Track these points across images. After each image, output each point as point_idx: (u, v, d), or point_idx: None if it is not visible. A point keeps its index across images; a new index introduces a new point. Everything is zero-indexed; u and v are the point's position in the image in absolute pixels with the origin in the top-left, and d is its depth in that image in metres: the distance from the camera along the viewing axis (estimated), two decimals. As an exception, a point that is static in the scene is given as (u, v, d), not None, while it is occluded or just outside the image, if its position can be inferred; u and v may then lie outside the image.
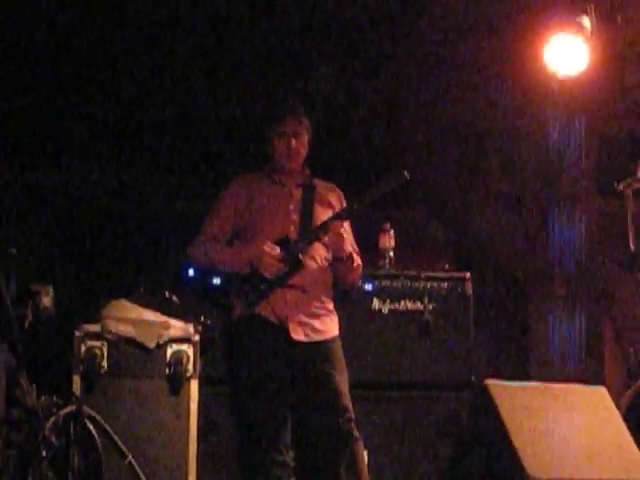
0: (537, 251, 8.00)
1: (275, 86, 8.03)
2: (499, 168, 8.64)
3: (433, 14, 8.10)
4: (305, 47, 8.08)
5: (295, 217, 6.22)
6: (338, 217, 6.08)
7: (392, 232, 7.03)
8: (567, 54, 7.06)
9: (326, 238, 6.08)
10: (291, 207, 6.25)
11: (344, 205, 6.24)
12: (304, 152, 6.32)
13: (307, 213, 6.21)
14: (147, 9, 7.62)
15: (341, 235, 6.08)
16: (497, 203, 8.53)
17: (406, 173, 6.05)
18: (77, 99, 8.08)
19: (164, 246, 7.49)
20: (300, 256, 6.03)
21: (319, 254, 6.17)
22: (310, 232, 6.10)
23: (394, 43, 8.29)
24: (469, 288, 6.85)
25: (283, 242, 6.05)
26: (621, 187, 6.90)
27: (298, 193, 6.29)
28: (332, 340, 6.16)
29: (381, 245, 7.01)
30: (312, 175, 6.39)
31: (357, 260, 6.23)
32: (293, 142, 6.26)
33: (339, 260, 6.18)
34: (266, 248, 5.99)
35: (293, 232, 6.13)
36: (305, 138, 6.31)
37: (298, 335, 6.06)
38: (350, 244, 6.28)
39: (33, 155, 8.24)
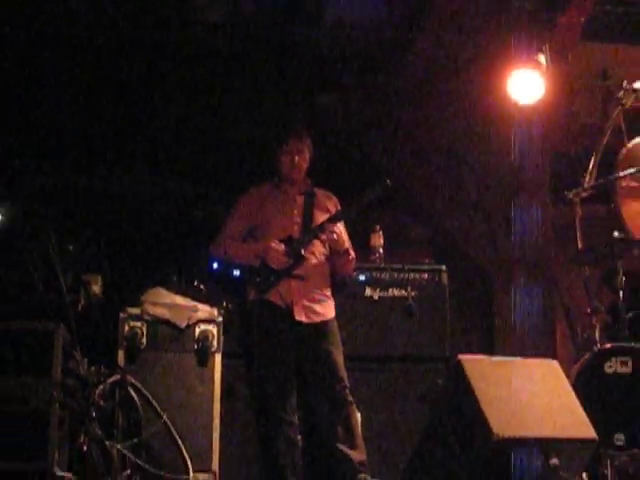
0: (500, 247, 7.99)
1: (284, 110, 8.03)
2: (470, 179, 8.61)
3: (417, 54, 8.11)
4: (312, 78, 8.09)
5: (298, 219, 6.27)
6: (333, 219, 6.15)
7: (381, 232, 7.02)
8: (526, 85, 7.03)
9: (323, 236, 6.13)
10: (294, 211, 6.31)
11: (338, 209, 6.28)
12: (305, 165, 6.37)
13: (308, 216, 6.27)
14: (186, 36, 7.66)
15: (335, 233, 6.11)
16: (468, 208, 8.50)
17: (389, 182, 6.08)
18: (130, 118, 8.08)
19: (193, 243, 7.45)
20: (302, 251, 6.08)
21: (318, 250, 6.21)
22: (310, 231, 6.16)
23: (386, 76, 8.29)
24: (445, 278, 6.83)
25: (287, 240, 6.12)
26: (571, 196, 6.89)
27: (301, 199, 6.35)
28: (330, 321, 6.20)
29: (372, 243, 7.00)
30: (313, 184, 6.43)
31: (352, 254, 6.27)
32: (296, 158, 6.32)
33: (337, 253, 6.21)
34: (272, 245, 6.06)
35: (296, 231, 6.20)
36: (306, 154, 6.37)
37: (301, 317, 6.10)
38: (346, 241, 6.31)
39: (88, 164, 8.23)
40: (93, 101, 7.95)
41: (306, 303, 6.16)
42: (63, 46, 7.65)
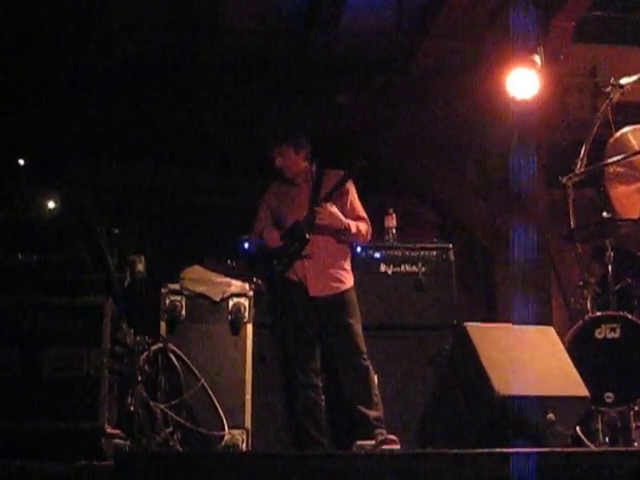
0: (501, 228, 7.96)
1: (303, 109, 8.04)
2: (474, 168, 8.60)
3: (424, 57, 8.09)
4: (328, 79, 8.09)
5: (305, 205, 6.25)
6: (324, 199, 6.12)
7: (394, 215, 7.00)
8: (523, 83, 7.00)
9: (319, 215, 6.10)
10: (302, 199, 6.29)
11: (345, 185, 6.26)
12: (294, 161, 6.31)
13: (314, 200, 6.24)
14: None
15: (327, 210, 6.09)
16: (470, 193, 8.49)
17: (363, 161, 6.07)
18: (169, 122, 8.13)
19: (227, 228, 7.46)
20: (305, 234, 6.07)
21: (325, 229, 6.17)
22: (310, 214, 6.14)
23: (396, 77, 8.28)
24: (451, 255, 6.79)
25: (294, 225, 6.14)
26: (564, 181, 6.86)
27: (307, 186, 6.33)
28: (345, 292, 6.20)
29: (386, 225, 6.97)
30: (321, 168, 6.39)
31: (357, 227, 6.21)
32: (278, 161, 6.29)
33: (337, 231, 6.19)
34: (274, 235, 6.21)
35: (304, 216, 6.17)
36: (289, 151, 6.29)
37: (315, 291, 6.12)
38: (355, 212, 6.28)
39: (134, 161, 8.28)
40: (135, 108, 7.98)
41: (320, 279, 6.16)
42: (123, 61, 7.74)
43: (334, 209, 6.16)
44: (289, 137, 6.34)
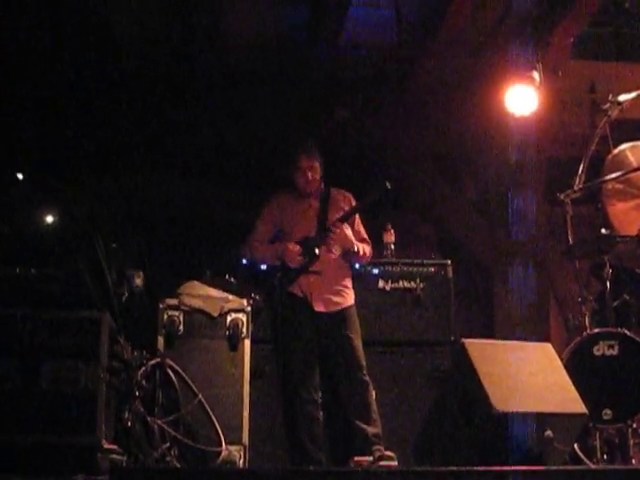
0: (499, 244, 7.95)
1: (305, 123, 8.04)
2: (472, 183, 8.61)
3: (424, 72, 8.10)
4: (329, 93, 8.10)
5: (314, 221, 6.26)
6: (340, 219, 6.18)
7: (392, 231, 7.00)
8: (522, 99, 7.01)
9: (333, 235, 6.13)
10: (311, 214, 6.30)
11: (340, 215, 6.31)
12: (318, 177, 6.36)
13: (323, 217, 6.28)
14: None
15: (343, 232, 6.13)
16: (469, 209, 8.49)
17: (388, 185, 6.11)
18: (166, 134, 8.13)
19: (225, 242, 7.47)
20: (316, 250, 6.10)
21: (334, 247, 6.20)
22: (322, 231, 6.17)
23: (396, 92, 8.29)
24: (449, 271, 6.79)
25: (304, 240, 6.13)
26: (562, 197, 6.86)
27: (316, 203, 6.37)
28: (348, 309, 6.21)
29: (385, 240, 6.97)
30: (328, 186, 6.43)
31: (363, 249, 6.27)
32: (309, 174, 6.32)
33: (346, 251, 6.23)
34: (289, 246, 6.11)
35: (313, 232, 6.19)
36: (317, 167, 6.34)
37: (319, 307, 6.13)
38: (360, 235, 6.34)
39: (130, 173, 8.28)
40: (134, 121, 7.99)
41: (325, 295, 6.18)
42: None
43: (349, 231, 6.25)
44: (317, 150, 6.39)
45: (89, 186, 7.92)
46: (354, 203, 6.41)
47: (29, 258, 6.02)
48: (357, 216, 6.42)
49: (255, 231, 6.41)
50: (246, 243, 6.39)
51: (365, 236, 6.43)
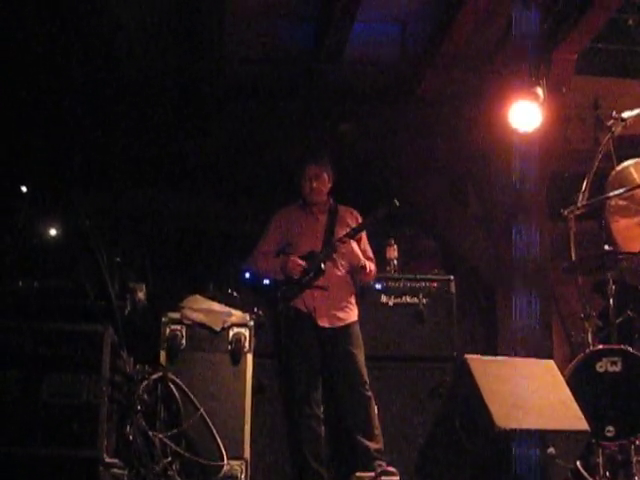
0: (503, 260, 7.92)
1: (309, 137, 8.04)
2: (475, 199, 8.59)
3: (427, 88, 8.10)
4: (333, 108, 8.11)
5: (321, 236, 6.27)
6: (347, 235, 6.19)
7: (396, 246, 7.01)
8: (525, 115, 7.00)
9: (341, 250, 6.14)
10: (318, 229, 6.33)
11: (348, 230, 6.32)
12: (325, 188, 6.38)
13: (330, 232, 6.29)
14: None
15: (350, 247, 6.14)
16: (473, 225, 8.47)
17: (396, 202, 6.12)
18: (172, 148, 8.13)
19: (228, 256, 7.46)
20: (322, 265, 6.11)
21: (340, 263, 6.21)
22: (329, 247, 6.17)
23: (399, 107, 8.29)
24: (452, 287, 6.80)
25: (310, 255, 6.14)
26: (566, 213, 6.87)
27: (323, 218, 6.37)
28: (351, 324, 6.22)
29: (388, 255, 6.99)
30: (335, 202, 6.44)
31: (369, 267, 6.28)
32: (314, 183, 6.33)
33: (353, 267, 6.24)
34: (292, 259, 6.12)
35: (319, 247, 6.20)
36: (325, 177, 6.36)
37: (323, 322, 6.13)
38: (366, 253, 6.35)
39: (133, 187, 8.28)
40: (137, 135, 8.00)
41: (329, 310, 6.19)
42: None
43: (356, 248, 6.26)
44: (328, 162, 6.39)
45: (92, 199, 7.93)
46: (361, 220, 6.42)
47: (32, 271, 6.01)
48: (364, 234, 6.44)
49: (261, 243, 6.43)
50: (250, 258, 6.42)
51: (371, 255, 6.45)
